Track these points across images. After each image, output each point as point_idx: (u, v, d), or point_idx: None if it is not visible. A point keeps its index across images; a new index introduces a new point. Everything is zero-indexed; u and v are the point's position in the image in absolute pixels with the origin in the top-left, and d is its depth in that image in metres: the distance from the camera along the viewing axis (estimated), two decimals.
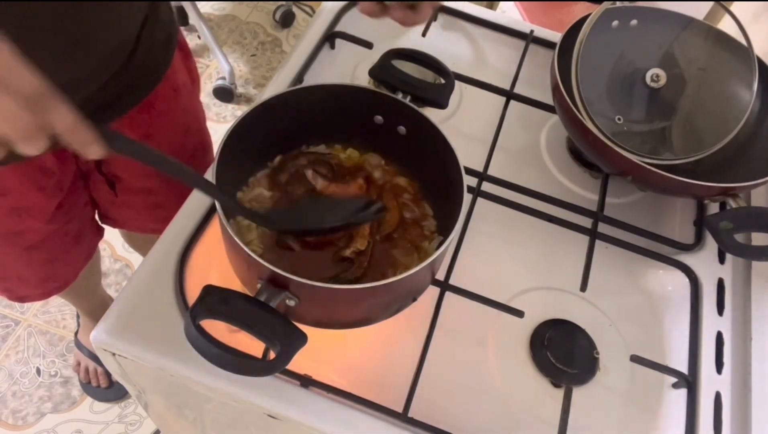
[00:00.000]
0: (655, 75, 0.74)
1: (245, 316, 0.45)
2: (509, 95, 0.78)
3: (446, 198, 0.57)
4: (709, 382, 0.61)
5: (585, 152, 0.71)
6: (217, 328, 0.45)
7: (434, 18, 0.87)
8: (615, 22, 0.73)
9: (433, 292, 0.60)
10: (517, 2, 1.31)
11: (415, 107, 0.59)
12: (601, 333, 0.63)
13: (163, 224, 0.63)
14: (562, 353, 0.61)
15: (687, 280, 0.68)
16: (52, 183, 0.73)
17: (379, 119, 0.62)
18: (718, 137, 0.70)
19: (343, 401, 0.55)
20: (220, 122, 1.86)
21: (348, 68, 0.81)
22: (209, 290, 0.45)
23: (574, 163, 0.77)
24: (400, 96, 0.60)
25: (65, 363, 1.42)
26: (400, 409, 0.55)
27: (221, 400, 0.57)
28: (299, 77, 0.76)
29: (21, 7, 0.49)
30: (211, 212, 0.64)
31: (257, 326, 0.45)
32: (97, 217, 0.93)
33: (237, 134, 0.54)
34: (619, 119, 0.74)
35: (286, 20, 2.09)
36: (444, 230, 0.59)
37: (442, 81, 0.65)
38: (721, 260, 0.70)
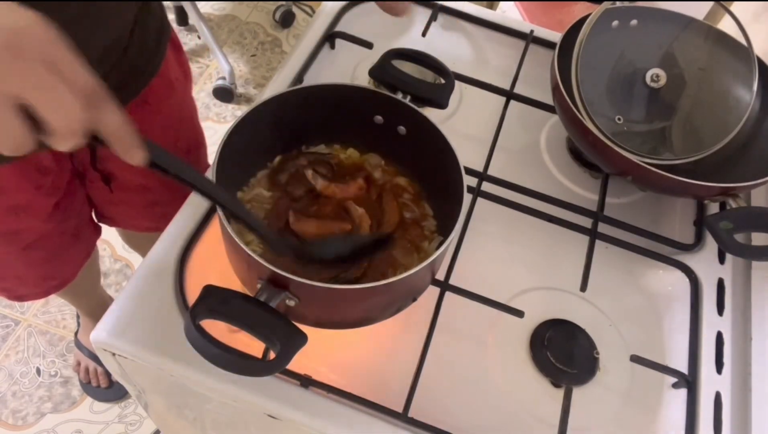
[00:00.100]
0: (655, 75, 0.74)
1: (245, 316, 0.45)
2: (509, 95, 0.78)
3: (446, 198, 0.57)
4: (709, 382, 0.61)
5: (585, 152, 0.71)
6: (217, 328, 0.45)
7: (434, 18, 0.86)
8: (615, 22, 0.73)
9: (433, 292, 0.60)
10: (517, 2, 1.31)
11: (415, 107, 0.59)
12: (601, 333, 0.63)
13: (160, 222, 0.62)
14: (562, 353, 0.61)
15: (687, 280, 0.68)
16: (49, 182, 0.73)
17: (379, 119, 0.62)
18: (718, 137, 0.70)
19: (343, 401, 0.55)
20: (220, 122, 1.86)
21: (348, 68, 0.81)
22: (209, 290, 0.45)
23: (574, 163, 0.77)
24: (400, 96, 0.60)
25: (65, 363, 1.42)
26: (400, 409, 0.55)
27: (221, 400, 0.57)
28: (299, 77, 0.76)
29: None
30: (211, 212, 0.64)
31: (257, 326, 0.45)
32: (94, 216, 0.93)
33: (237, 134, 0.54)
34: (619, 119, 0.74)
35: (286, 20, 2.09)
36: (444, 230, 0.59)
37: (442, 81, 0.65)
38: (721, 260, 0.70)
